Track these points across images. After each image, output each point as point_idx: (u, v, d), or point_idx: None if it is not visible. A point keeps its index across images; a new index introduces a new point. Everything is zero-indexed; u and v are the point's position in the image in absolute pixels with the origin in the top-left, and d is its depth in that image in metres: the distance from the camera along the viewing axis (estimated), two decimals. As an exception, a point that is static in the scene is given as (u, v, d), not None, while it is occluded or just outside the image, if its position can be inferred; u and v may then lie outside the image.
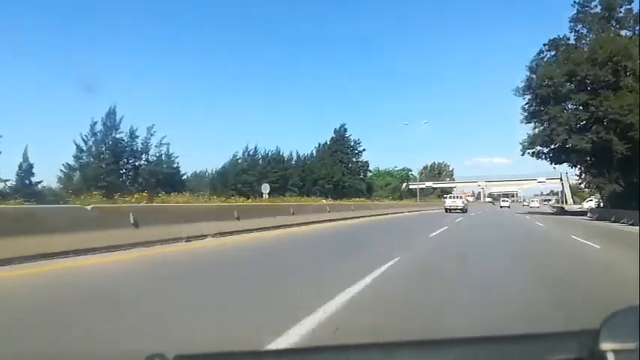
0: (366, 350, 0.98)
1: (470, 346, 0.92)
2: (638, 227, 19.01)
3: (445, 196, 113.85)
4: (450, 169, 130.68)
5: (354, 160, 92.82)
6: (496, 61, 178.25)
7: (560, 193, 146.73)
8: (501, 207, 76.13)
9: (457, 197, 45.51)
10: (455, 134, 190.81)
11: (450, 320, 4.20)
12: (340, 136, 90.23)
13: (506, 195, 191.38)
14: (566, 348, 0.83)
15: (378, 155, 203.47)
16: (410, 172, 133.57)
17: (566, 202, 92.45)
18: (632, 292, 5.03)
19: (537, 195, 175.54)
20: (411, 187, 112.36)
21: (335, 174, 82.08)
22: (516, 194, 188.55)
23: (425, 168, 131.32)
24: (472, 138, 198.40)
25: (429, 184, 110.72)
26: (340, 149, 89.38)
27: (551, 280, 6.75)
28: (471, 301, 5.17)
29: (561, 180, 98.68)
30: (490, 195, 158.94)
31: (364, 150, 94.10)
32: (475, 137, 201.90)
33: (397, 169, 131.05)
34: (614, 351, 0.76)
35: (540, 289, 6.01)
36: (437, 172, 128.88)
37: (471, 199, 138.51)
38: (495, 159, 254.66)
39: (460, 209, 39.98)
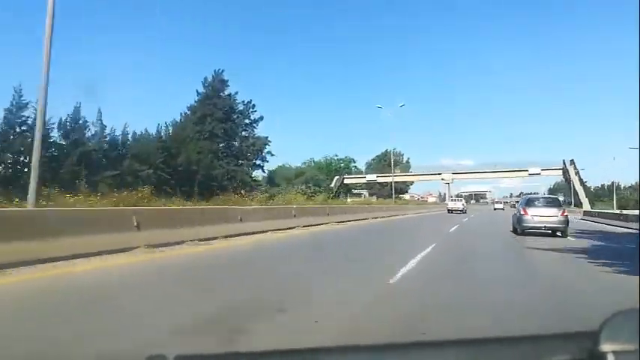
0: (365, 351, 0.98)
1: (469, 348, 0.92)
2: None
3: (354, 192, 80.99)
4: (406, 158, 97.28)
5: (243, 134, 57.46)
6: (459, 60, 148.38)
7: (547, 190, 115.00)
8: (495, 209, 61.41)
9: (458, 200, 49.45)
10: (419, 131, 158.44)
11: (448, 321, 4.17)
12: (214, 92, 54.42)
13: (478, 195, 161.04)
14: (565, 349, 0.82)
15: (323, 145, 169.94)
16: (352, 164, 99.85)
17: (575, 203, 59.22)
18: (632, 293, 5.07)
19: (508, 196, 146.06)
20: (347, 181, 77.82)
21: (191, 154, 46.24)
22: (486, 195, 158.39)
23: (375, 158, 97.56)
24: (437, 137, 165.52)
25: (372, 177, 76.38)
26: (212, 114, 53.75)
27: (551, 281, 6.68)
28: (471, 302, 5.03)
29: (565, 171, 65.49)
30: (459, 196, 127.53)
31: (261, 119, 58.64)
32: (441, 136, 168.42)
33: (337, 158, 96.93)
34: (614, 352, 0.75)
35: (540, 290, 5.97)
36: (388, 163, 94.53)
37: (433, 198, 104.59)
38: (462, 161, 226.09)
39: (460, 210, 42.92)
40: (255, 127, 57.40)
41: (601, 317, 0.81)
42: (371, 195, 69.54)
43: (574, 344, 0.82)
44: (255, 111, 57.26)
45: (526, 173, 69.23)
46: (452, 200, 50.34)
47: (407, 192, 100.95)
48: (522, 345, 0.92)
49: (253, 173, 57.39)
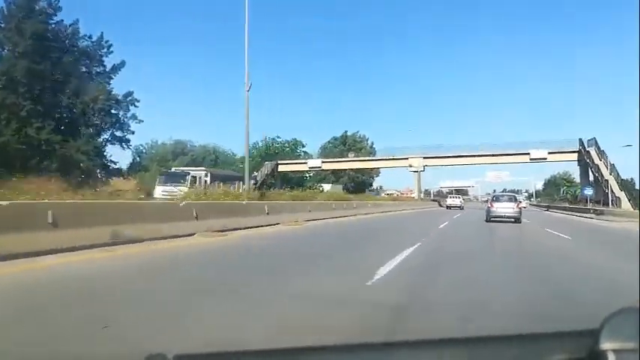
0: (366, 350, 0.97)
1: (469, 346, 0.93)
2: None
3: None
4: (369, 142, 77.19)
5: (77, 84, 36.38)
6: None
7: (567, 185, 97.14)
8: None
9: (456, 197, 54.47)
10: (387, 116, 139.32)
11: (449, 320, 4.05)
12: (21, 11, 33.36)
13: (459, 191, 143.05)
14: (566, 348, 0.82)
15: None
16: (301, 148, 79.12)
17: (613, 202, 39.59)
18: (633, 291, 4.96)
19: (491, 192, 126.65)
20: (283, 168, 57.36)
21: None
22: (468, 191, 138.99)
23: (332, 140, 77.16)
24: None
25: (315, 162, 56.03)
26: (14, 46, 32.68)
27: (551, 279, 6.52)
28: (471, 300, 4.89)
29: (583, 154, 46.02)
30: (438, 193, 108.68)
31: (122, 65, 37.47)
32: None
33: (279, 140, 76.37)
34: (615, 351, 0.75)
35: (540, 288, 5.77)
36: (347, 147, 74.23)
37: (383, 191, 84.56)
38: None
39: (458, 206, 46.39)
40: (111, 78, 36.45)
41: (601, 316, 0.79)
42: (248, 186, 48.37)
43: (574, 343, 0.81)
44: (112, 52, 36.29)
45: (526, 157, 49.56)
46: (451, 198, 55.25)
47: (371, 185, 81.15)
48: (522, 344, 0.90)
49: (107, 150, 36.55)
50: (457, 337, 0.92)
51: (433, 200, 65.11)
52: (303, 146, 74.82)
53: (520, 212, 20.55)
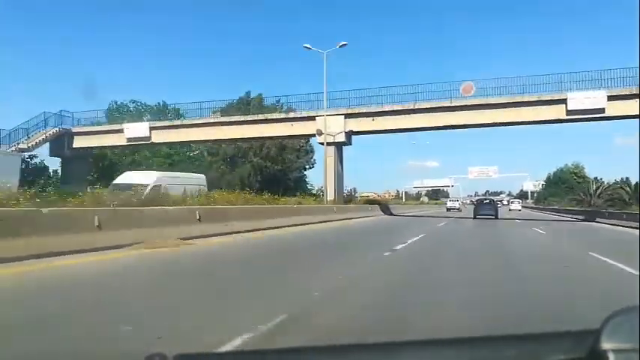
0: (366, 350, 0.99)
1: (469, 346, 0.93)
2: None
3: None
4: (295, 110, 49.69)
5: None
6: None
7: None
8: (510, 210, 54.32)
9: (455, 200, 57.43)
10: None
11: (449, 320, 4.13)
12: None
13: (435, 192, 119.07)
14: (566, 348, 0.82)
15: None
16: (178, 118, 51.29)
17: None
18: (633, 291, 5.04)
19: (471, 195, 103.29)
20: (84, 142, 29.80)
21: None
22: (447, 192, 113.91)
23: (226, 108, 49.71)
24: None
25: (136, 131, 28.88)
26: None
27: (551, 279, 6.67)
28: (470, 300, 5.00)
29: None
30: (417, 195, 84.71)
31: None
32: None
33: (136, 104, 49.23)
34: (615, 351, 0.75)
35: (540, 288, 5.89)
36: (245, 112, 46.32)
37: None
38: (428, 162, 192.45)
39: (457, 209, 49.74)
40: None
41: (602, 315, 0.79)
42: None
43: (575, 342, 0.81)
44: None
45: (560, 110, 23.74)
46: (450, 201, 57.13)
47: (304, 180, 53.89)
48: (523, 343, 0.91)
49: None
50: (457, 337, 0.91)
51: (370, 202, 38.46)
52: (182, 116, 47.12)
53: (497, 211, 29.53)
